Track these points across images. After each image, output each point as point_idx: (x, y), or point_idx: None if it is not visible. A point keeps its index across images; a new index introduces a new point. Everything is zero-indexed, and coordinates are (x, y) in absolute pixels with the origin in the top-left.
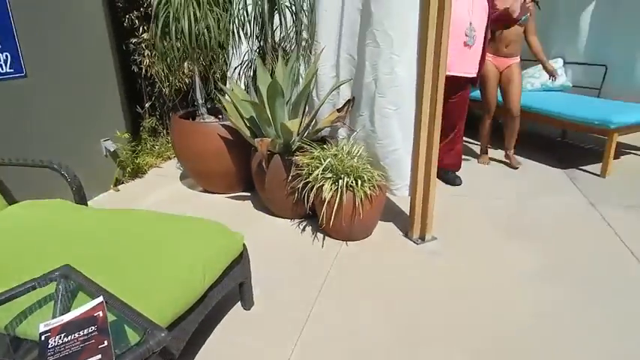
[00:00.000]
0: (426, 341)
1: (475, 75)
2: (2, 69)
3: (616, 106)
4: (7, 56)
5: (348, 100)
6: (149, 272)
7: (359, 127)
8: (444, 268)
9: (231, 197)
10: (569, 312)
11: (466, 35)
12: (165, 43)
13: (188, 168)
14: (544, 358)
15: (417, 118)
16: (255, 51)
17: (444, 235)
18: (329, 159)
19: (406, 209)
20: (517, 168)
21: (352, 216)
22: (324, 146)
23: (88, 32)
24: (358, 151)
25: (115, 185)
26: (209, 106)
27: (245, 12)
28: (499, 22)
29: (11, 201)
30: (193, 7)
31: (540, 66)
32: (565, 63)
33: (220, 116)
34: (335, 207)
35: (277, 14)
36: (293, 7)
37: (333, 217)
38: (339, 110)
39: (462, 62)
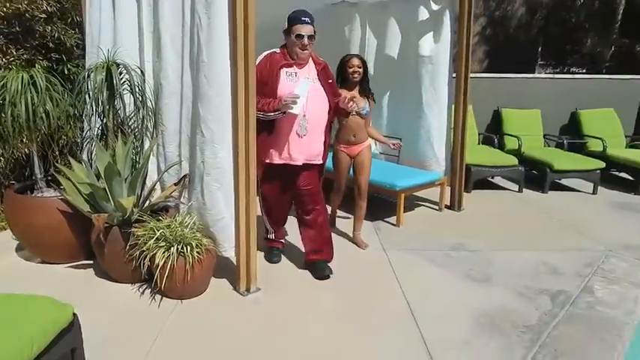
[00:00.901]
0: None
1: (318, 162)
2: None
3: (404, 172)
4: None
5: (184, 176)
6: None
7: (193, 199)
8: (263, 314)
9: (72, 266)
10: (349, 341)
11: (299, 126)
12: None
13: (25, 242)
14: None
15: (236, 191)
16: (95, 130)
17: (268, 285)
18: (161, 230)
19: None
20: (364, 249)
21: (184, 278)
22: (160, 218)
23: None
24: (190, 221)
25: None
26: (48, 179)
27: (87, 95)
28: (337, 112)
29: None
30: (31, 93)
31: None
32: None
33: (62, 187)
34: (167, 271)
35: (119, 98)
36: (136, 94)
37: (166, 280)
38: (175, 184)
39: (295, 151)
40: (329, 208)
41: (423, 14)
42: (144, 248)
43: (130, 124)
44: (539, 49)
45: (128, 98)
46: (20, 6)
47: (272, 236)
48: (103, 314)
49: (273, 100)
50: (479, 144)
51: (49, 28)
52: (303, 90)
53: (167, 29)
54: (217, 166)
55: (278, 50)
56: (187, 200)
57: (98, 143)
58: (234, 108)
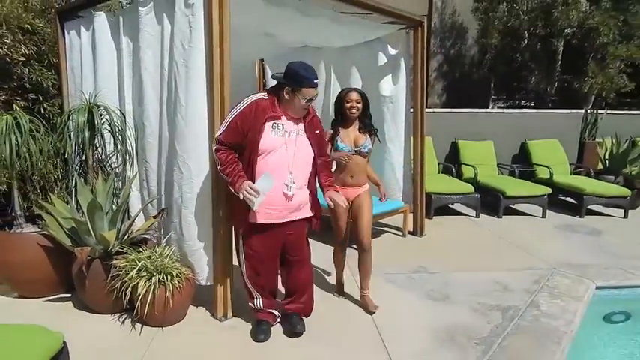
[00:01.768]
0: None
1: (306, 216)
2: None
3: None
4: None
5: (162, 210)
6: None
7: (172, 231)
8: (240, 339)
9: (50, 300)
10: (320, 355)
11: (286, 185)
12: None
13: (2, 277)
14: None
15: (214, 223)
16: (77, 168)
17: (243, 311)
18: (143, 261)
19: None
20: (373, 313)
21: (165, 305)
22: (140, 249)
23: None
24: (169, 252)
25: None
26: (27, 214)
27: (68, 137)
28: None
29: None
30: (15, 134)
31: None
32: None
33: (40, 223)
34: (149, 300)
35: (99, 138)
36: (116, 134)
37: (147, 309)
38: (154, 217)
39: (281, 210)
40: (334, 273)
41: (382, 58)
42: (126, 279)
43: (109, 162)
44: (492, 84)
45: (108, 137)
46: (1, 50)
47: (258, 304)
48: (84, 344)
49: (238, 179)
50: (439, 173)
51: (27, 70)
52: (266, 186)
53: (148, 75)
54: (194, 201)
55: (266, 96)
56: (165, 232)
57: (80, 180)
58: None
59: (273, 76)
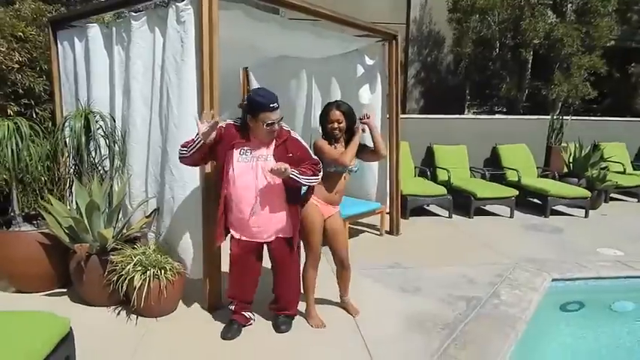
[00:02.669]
0: None
1: (283, 236)
2: None
3: (348, 202)
4: None
5: (154, 210)
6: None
7: (163, 229)
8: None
9: (47, 294)
10: (302, 340)
11: (252, 208)
12: None
13: (2, 272)
14: None
15: (204, 222)
16: (74, 171)
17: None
18: (138, 256)
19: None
20: (355, 316)
21: (159, 297)
22: (135, 245)
23: None
24: (162, 248)
25: None
26: (24, 214)
27: (65, 142)
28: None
29: None
30: (16, 139)
31: None
32: None
33: (35, 222)
34: (145, 292)
35: (93, 141)
36: (107, 139)
37: (143, 300)
38: (147, 217)
39: (252, 230)
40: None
41: (360, 68)
42: (122, 273)
43: (103, 165)
44: (467, 91)
45: (101, 142)
46: None
47: (232, 306)
48: (85, 332)
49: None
50: (415, 176)
51: (20, 76)
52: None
53: (137, 84)
54: (186, 201)
55: (239, 122)
56: (157, 230)
57: (78, 182)
58: None
59: (239, 106)
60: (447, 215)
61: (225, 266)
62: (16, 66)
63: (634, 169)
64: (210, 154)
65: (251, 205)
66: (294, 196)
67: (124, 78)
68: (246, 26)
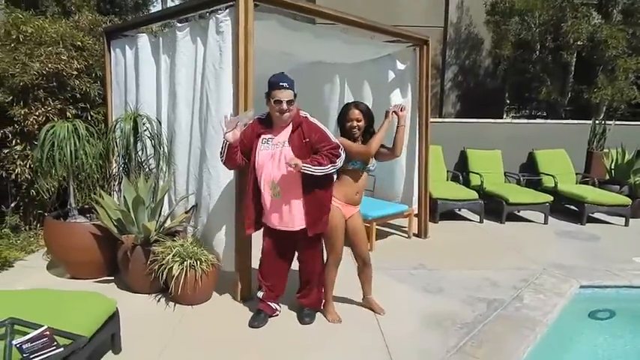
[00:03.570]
0: None
1: (300, 226)
2: None
3: (376, 204)
4: None
5: (193, 206)
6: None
7: (200, 224)
8: None
9: (98, 281)
10: (326, 332)
11: (271, 192)
12: (48, 164)
13: (58, 258)
14: None
15: (237, 218)
16: (122, 169)
17: None
18: (177, 248)
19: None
20: (381, 314)
21: (195, 286)
22: (175, 238)
23: None
24: (199, 241)
25: None
26: (79, 207)
27: (115, 142)
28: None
29: None
30: (74, 139)
31: None
32: None
33: (88, 215)
34: (182, 280)
35: (140, 142)
36: (153, 140)
37: (180, 288)
38: (186, 212)
39: (275, 216)
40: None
41: (391, 73)
42: (163, 262)
43: (148, 164)
44: (507, 94)
45: (147, 142)
46: (59, 66)
47: (261, 295)
48: (129, 315)
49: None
50: (447, 180)
51: (78, 82)
52: (242, 116)
53: (181, 89)
54: (221, 198)
55: (264, 115)
56: (195, 225)
57: (126, 179)
58: None
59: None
60: (478, 220)
61: (255, 260)
62: (75, 73)
63: None
64: (245, 150)
65: (271, 188)
66: (317, 184)
67: (169, 84)
68: (281, 35)
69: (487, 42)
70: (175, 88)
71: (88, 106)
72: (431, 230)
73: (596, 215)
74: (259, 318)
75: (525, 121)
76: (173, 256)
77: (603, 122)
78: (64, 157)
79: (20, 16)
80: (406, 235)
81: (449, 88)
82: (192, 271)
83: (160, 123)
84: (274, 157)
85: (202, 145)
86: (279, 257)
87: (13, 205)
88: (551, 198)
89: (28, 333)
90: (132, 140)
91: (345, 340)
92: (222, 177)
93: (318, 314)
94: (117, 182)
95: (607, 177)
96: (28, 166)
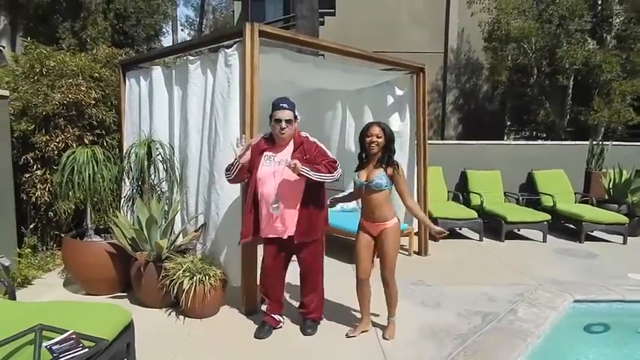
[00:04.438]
0: None
1: (307, 240)
2: None
3: None
4: None
5: (202, 225)
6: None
7: (208, 242)
8: None
9: (112, 297)
10: (326, 342)
11: (271, 206)
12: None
13: (75, 275)
14: None
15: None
16: (136, 191)
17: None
18: (187, 264)
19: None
20: (386, 339)
21: (204, 300)
22: (185, 255)
23: None
24: (207, 258)
25: (5, 294)
26: (94, 228)
27: (130, 166)
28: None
29: None
30: (92, 164)
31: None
32: None
33: (103, 235)
34: (192, 294)
35: (153, 166)
36: (165, 164)
37: (190, 302)
38: (195, 231)
39: (276, 226)
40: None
41: (390, 98)
42: (174, 277)
43: (160, 186)
44: (507, 116)
45: (160, 167)
46: (78, 96)
47: (265, 308)
48: (141, 327)
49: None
50: (448, 200)
51: (95, 110)
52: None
53: (193, 117)
54: (228, 217)
55: (268, 135)
56: (204, 242)
57: (140, 200)
58: None
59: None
60: (478, 238)
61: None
62: (93, 102)
63: None
64: (248, 166)
65: (271, 203)
66: (315, 198)
67: (181, 112)
68: (284, 66)
69: (487, 66)
70: (187, 116)
71: (104, 132)
72: (431, 248)
73: (595, 234)
74: (264, 330)
75: (524, 142)
76: (183, 271)
77: (601, 143)
78: (82, 181)
79: (44, 51)
80: (407, 253)
81: (450, 111)
82: (202, 286)
83: (173, 148)
84: (276, 174)
85: (211, 168)
86: (276, 265)
87: (32, 226)
88: (548, 217)
89: (55, 338)
90: (146, 164)
91: (343, 349)
92: (230, 198)
93: (323, 325)
94: (130, 204)
95: (606, 196)
96: (47, 189)
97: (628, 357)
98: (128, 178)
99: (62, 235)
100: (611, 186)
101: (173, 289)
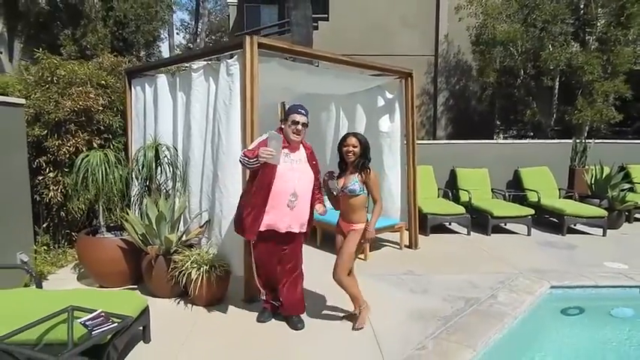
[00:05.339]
0: None
1: (302, 231)
2: None
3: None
4: None
5: (207, 221)
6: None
7: (213, 237)
8: None
9: (124, 289)
10: (321, 328)
11: (289, 200)
12: (81, 187)
13: (90, 270)
14: None
15: None
16: (144, 190)
17: None
18: (195, 256)
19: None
20: (357, 329)
21: (210, 289)
22: (192, 249)
23: (14, 174)
24: (212, 251)
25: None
26: (105, 226)
27: (138, 168)
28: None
29: None
30: (104, 166)
31: None
32: None
33: (114, 232)
34: (198, 284)
35: (160, 167)
36: (171, 165)
37: (197, 290)
38: (201, 227)
39: (286, 220)
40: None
41: (381, 101)
42: (182, 269)
43: (166, 186)
44: (496, 116)
45: (166, 167)
46: (88, 103)
47: (264, 297)
48: (152, 316)
49: (254, 153)
50: (438, 197)
51: (102, 116)
52: (276, 144)
53: (195, 121)
54: (230, 213)
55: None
56: (208, 237)
57: (149, 199)
58: (244, 173)
59: (280, 120)
60: (466, 233)
61: None
62: (101, 108)
63: None
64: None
65: (289, 197)
66: (311, 196)
67: (184, 117)
68: (281, 73)
69: (475, 69)
70: (190, 121)
71: (111, 136)
72: (421, 242)
73: (577, 227)
74: (264, 315)
75: (511, 141)
76: (191, 263)
77: (584, 141)
78: (95, 182)
79: (55, 60)
80: (398, 247)
81: (441, 112)
82: (208, 276)
83: (177, 150)
84: (294, 170)
85: (215, 168)
86: (270, 256)
87: (44, 225)
88: (532, 211)
89: (85, 316)
90: (153, 165)
91: (339, 330)
92: (232, 195)
93: (313, 312)
94: (139, 202)
95: (588, 192)
96: (59, 190)
97: (601, 336)
98: (137, 179)
99: (73, 233)
100: (593, 182)
101: (182, 279)
